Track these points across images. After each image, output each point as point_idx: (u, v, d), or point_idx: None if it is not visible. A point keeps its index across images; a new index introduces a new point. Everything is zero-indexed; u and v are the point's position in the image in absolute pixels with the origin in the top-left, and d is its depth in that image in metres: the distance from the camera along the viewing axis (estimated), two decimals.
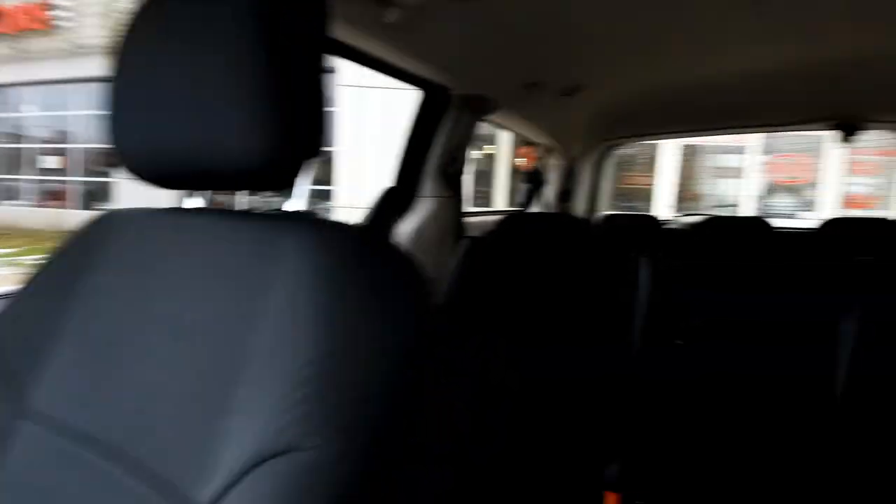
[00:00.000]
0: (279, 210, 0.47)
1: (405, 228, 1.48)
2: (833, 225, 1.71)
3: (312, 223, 0.41)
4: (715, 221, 2.00)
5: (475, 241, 1.38)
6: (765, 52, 1.45)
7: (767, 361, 1.34)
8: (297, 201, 0.47)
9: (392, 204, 1.52)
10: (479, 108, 1.58)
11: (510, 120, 1.87)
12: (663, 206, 8.04)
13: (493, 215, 2.01)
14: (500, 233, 1.26)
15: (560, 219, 1.30)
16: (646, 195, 8.43)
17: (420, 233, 1.47)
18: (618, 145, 2.65)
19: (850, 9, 1.16)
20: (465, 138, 1.63)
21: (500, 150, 7.60)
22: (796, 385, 1.20)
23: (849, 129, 1.90)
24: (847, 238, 1.65)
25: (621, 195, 8.56)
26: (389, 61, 1.17)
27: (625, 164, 8.60)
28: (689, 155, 8.38)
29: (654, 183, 8.39)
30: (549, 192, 2.60)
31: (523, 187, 2.59)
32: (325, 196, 7.26)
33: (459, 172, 1.64)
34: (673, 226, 2.42)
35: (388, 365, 0.34)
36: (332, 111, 0.43)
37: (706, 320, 1.69)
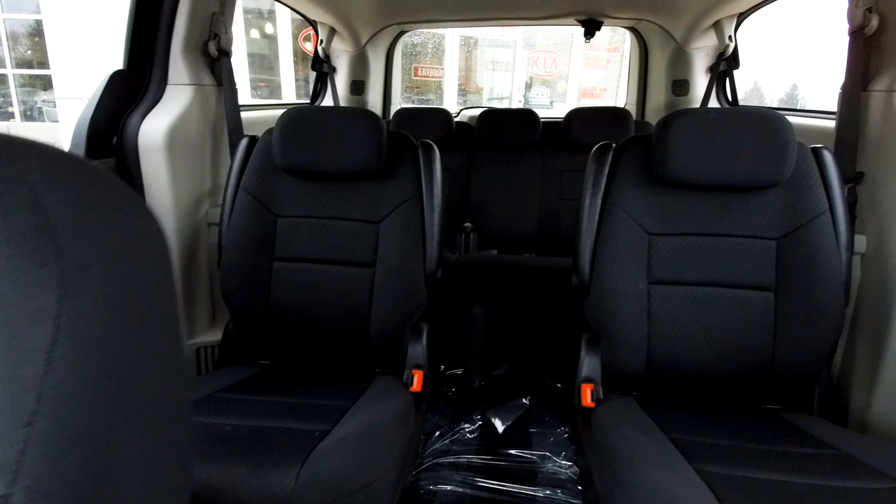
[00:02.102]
0: None
1: (154, 126, 1.20)
2: (573, 115, 2.08)
3: None
4: (494, 113, 2.19)
5: (253, 142, 1.21)
6: None
7: None
8: None
9: (120, 94, 1.19)
10: None
11: None
12: (451, 98, 8.47)
13: (277, 109, 1.79)
14: (283, 130, 1.11)
15: (350, 113, 1.21)
16: (437, 87, 8.67)
17: (174, 132, 1.21)
18: (405, 30, 2.55)
19: None
20: (223, 8, 1.33)
21: (278, 30, 6.61)
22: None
23: (591, 26, 2.22)
24: (583, 126, 2.05)
25: (413, 87, 8.64)
26: None
27: (415, 56, 8.54)
28: (470, 48, 8.77)
29: (444, 76, 8.64)
30: (341, 83, 2.42)
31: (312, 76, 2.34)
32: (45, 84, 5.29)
33: (224, 54, 1.36)
34: (462, 119, 2.55)
35: None
36: None
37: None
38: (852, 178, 1.09)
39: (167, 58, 1.26)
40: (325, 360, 1.21)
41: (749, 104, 1.99)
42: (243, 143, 1.22)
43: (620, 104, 2.74)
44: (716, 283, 1.04)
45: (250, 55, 6.53)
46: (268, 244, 1.18)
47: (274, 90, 7.15)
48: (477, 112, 2.34)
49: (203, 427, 0.86)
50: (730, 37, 1.96)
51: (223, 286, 1.16)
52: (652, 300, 1.04)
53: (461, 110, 2.71)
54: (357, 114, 1.18)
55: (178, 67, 1.27)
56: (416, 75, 8.72)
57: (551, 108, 8.64)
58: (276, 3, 1.90)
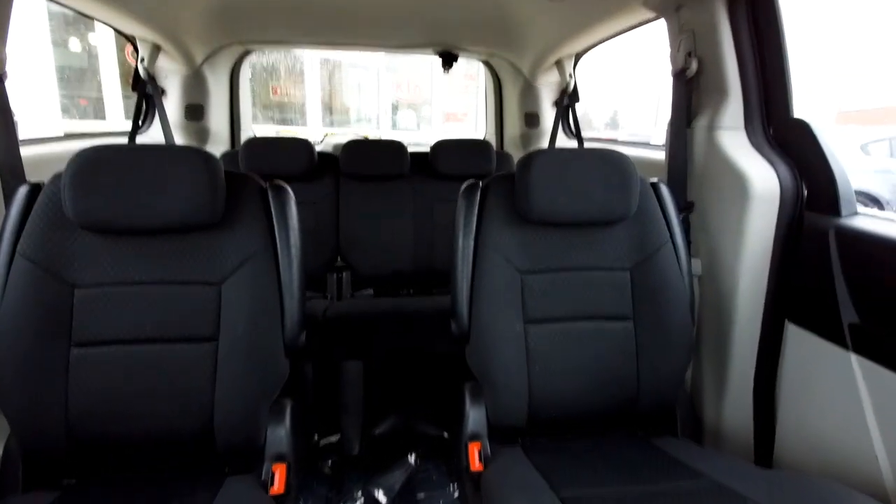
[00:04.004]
0: None
1: None
2: (439, 147, 2.06)
3: None
4: (359, 144, 2.06)
5: (36, 190, 0.92)
6: None
7: None
8: None
9: None
10: None
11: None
12: (316, 121, 8.18)
13: (76, 140, 1.43)
14: (76, 175, 0.85)
15: (172, 152, 0.97)
16: (299, 108, 8.28)
17: None
18: (250, 50, 2.31)
19: None
20: None
21: (99, 39, 5.68)
22: None
23: (447, 58, 2.26)
24: (449, 158, 2.04)
25: (274, 107, 8.12)
26: None
27: (274, 75, 8.06)
28: (333, 70, 8.60)
29: (306, 95, 8.29)
30: (174, 106, 2.08)
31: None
32: None
33: None
34: (325, 148, 2.38)
35: None
36: None
37: None
38: (685, 208, 1.21)
39: None
40: (154, 469, 0.95)
41: (583, 125, 2.20)
42: (21, 192, 0.91)
43: (480, 128, 2.84)
44: (584, 316, 1.06)
45: (62, 68, 5.47)
46: (61, 325, 0.88)
47: (99, 109, 6.09)
48: (341, 140, 2.20)
49: None
50: (570, 74, 2.14)
51: None
52: (529, 340, 1.03)
53: (325, 137, 2.53)
54: (181, 152, 0.96)
55: None
56: (274, 94, 8.23)
57: (419, 129, 8.91)
58: None
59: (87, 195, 0.86)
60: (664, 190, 1.11)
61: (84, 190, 0.85)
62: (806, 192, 1.04)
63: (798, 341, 1.02)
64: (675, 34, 1.22)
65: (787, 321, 1.05)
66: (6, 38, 1.07)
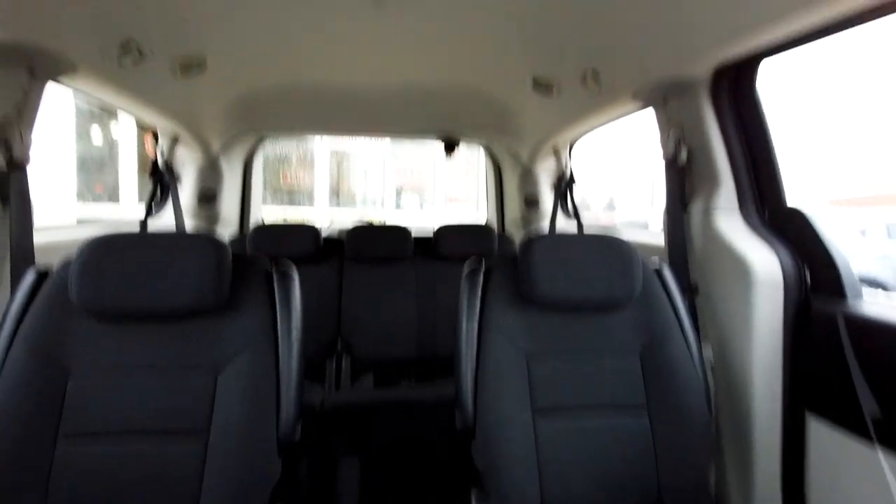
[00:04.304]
0: None
1: None
2: (442, 232, 2.11)
3: None
4: (364, 230, 2.11)
5: (43, 276, 0.92)
6: (385, 72, 1.60)
7: None
8: None
9: None
10: (39, 66, 1.07)
11: (114, 94, 1.39)
12: (323, 202, 8.53)
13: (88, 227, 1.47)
14: (86, 261, 0.86)
15: (181, 239, 0.99)
16: (308, 192, 8.66)
17: None
18: (264, 139, 2.45)
19: (445, 45, 1.38)
20: (20, 112, 1.09)
21: (122, 129, 6.07)
22: None
23: (449, 145, 2.39)
24: (452, 242, 2.08)
25: (285, 192, 8.50)
26: None
27: (286, 161, 8.54)
28: (342, 159, 9.14)
29: (315, 181, 8.71)
30: (188, 192, 2.16)
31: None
32: None
33: (17, 167, 1.08)
34: (331, 233, 2.43)
35: None
36: None
37: None
38: (689, 289, 1.20)
39: None
40: None
41: (581, 207, 2.27)
42: (28, 278, 0.91)
43: (482, 208, 2.92)
44: (596, 404, 1.00)
45: (83, 157, 5.79)
46: (51, 416, 0.84)
47: (114, 193, 6.37)
48: (347, 218, 2.24)
49: None
50: (566, 159, 2.25)
51: None
52: (538, 433, 0.96)
53: (331, 224, 2.59)
54: (190, 239, 0.97)
55: None
56: (284, 180, 8.63)
57: (422, 209, 9.24)
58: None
59: (93, 282, 0.86)
60: (667, 273, 1.11)
61: (91, 276, 0.86)
62: (809, 276, 1.03)
63: (821, 435, 0.95)
64: (665, 124, 1.29)
65: (807, 412, 0.99)
66: (32, 128, 1.14)
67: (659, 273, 1.10)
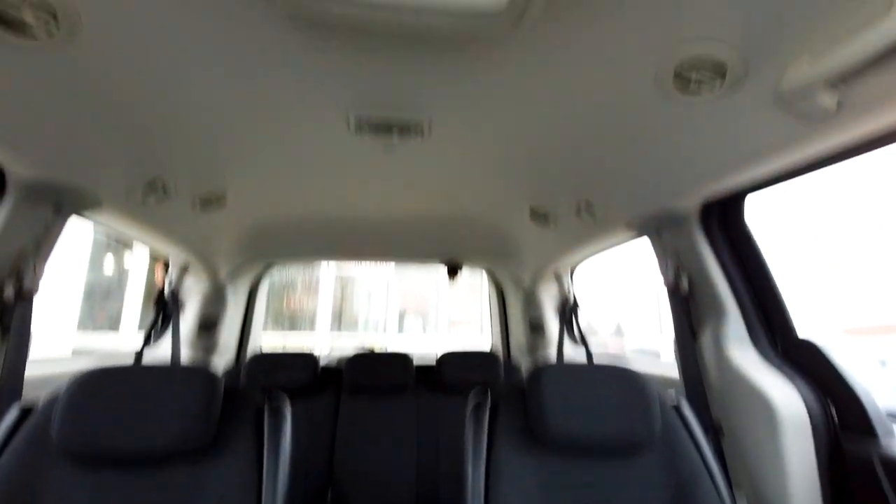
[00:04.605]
0: None
1: None
2: (445, 360, 2.05)
3: None
4: (364, 358, 2.05)
5: (26, 414, 0.87)
6: (391, 203, 1.70)
7: None
8: None
9: None
10: (66, 202, 1.13)
11: (134, 228, 1.45)
12: (324, 327, 8.45)
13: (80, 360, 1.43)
14: (70, 399, 0.82)
15: (173, 372, 0.95)
16: (310, 317, 8.65)
17: None
18: (272, 266, 2.52)
19: (447, 178, 1.48)
20: (37, 246, 1.12)
21: (133, 257, 6.29)
22: None
23: (452, 269, 2.44)
24: (455, 370, 2.01)
25: (286, 317, 8.49)
26: None
27: (290, 287, 8.69)
28: (346, 282, 9.33)
29: (318, 305, 8.76)
30: (189, 320, 2.14)
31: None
32: None
33: (24, 296, 1.08)
34: (327, 363, 2.36)
35: None
36: None
37: None
38: (713, 431, 1.10)
39: None
40: None
41: (589, 333, 2.21)
42: (12, 413, 0.86)
43: (485, 331, 2.86)
44: None
45: (91, 286, 5.91)
46: None
47: (115, 321, 6.36)
48: (348, 343, 2.19)
49: None
50: (568, 284, 2.27)
51: None
52: None
53: (331, 351, 2.53)
54: (181, 373, 0.93)
55: None
56: (289, 305, 8.67)
57: (425, 332, 9.10)
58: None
59: (75, 421, 0.82)
60: (686, 410, 1.03)
61: (74, 415, 0.82)
62: (835, 413, 0.97)
63: None
64: (661, 253, 1.32)
65: None
66: (47, 260, 1.17)
67: (678, 410, 1.02)
